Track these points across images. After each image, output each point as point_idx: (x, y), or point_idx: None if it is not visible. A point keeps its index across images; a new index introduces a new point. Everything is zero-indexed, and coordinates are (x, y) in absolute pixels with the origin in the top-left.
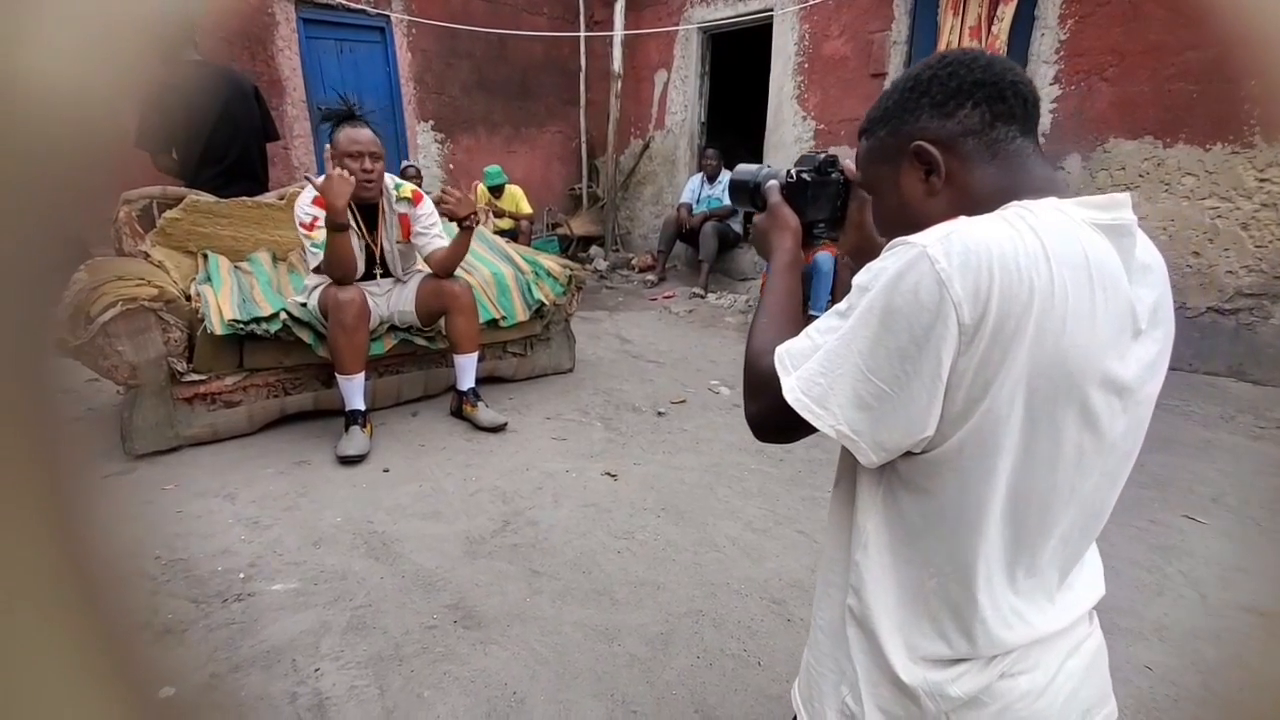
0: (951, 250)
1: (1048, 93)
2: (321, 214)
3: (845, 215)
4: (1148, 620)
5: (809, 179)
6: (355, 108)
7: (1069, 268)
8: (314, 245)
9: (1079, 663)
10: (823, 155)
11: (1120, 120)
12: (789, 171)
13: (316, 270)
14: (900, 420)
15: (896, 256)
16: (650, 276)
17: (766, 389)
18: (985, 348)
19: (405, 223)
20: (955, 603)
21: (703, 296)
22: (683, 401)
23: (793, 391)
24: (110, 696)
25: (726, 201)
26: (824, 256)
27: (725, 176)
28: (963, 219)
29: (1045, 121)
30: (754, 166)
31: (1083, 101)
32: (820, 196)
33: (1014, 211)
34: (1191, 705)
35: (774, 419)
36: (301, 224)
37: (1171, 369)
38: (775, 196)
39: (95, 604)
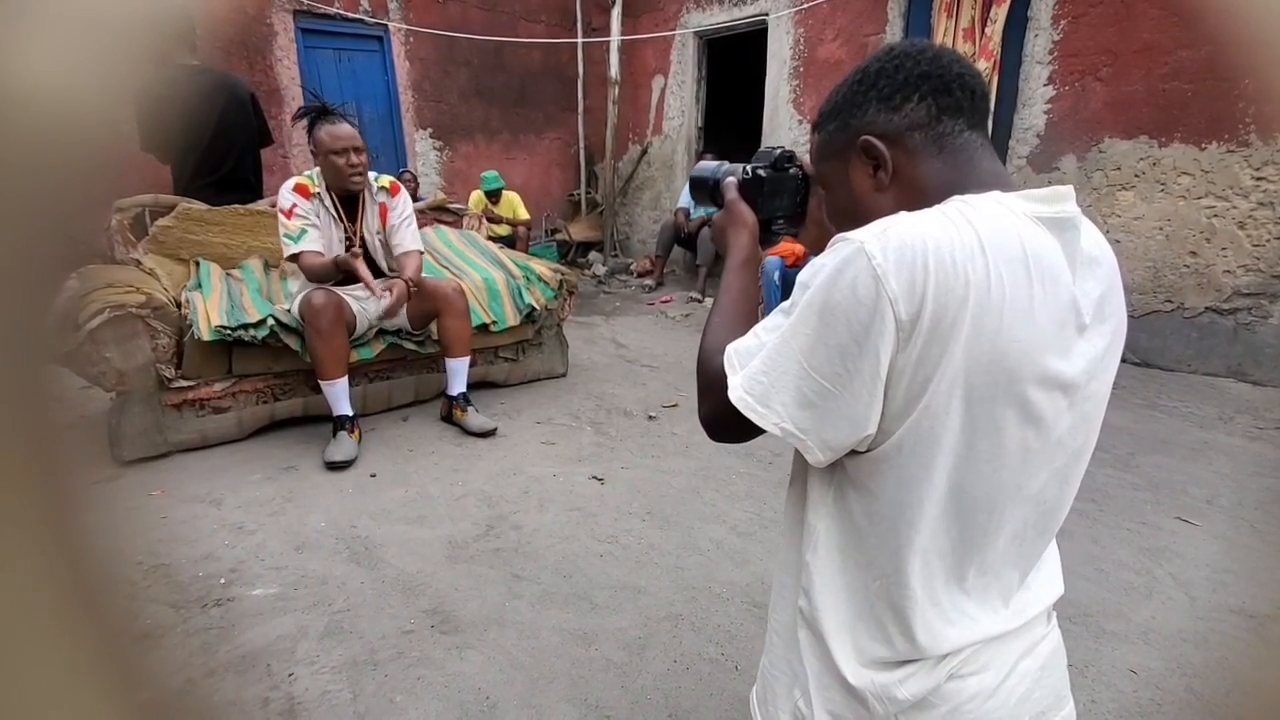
0: (888, 246)
1: (1042, 93)
2: (301, 201)
3: (805, 210)
4: (1135, 623)
5: (764, 175)
6: (328, 104)
7: (1005, 261)
8: (286, 235)
9: (1033, 664)
10: (779, 150)
11: (1115, 120)
12: (745, 168)
13: (290, 259)
14: (845, 418)
15: (835, 253)
16: (648, 281)
17: (717, 388)
18: (923, 344)
19: (384, 211)
20: (897, 604)
21: (700, 301)
22: (674, 405)
23: (736, 390)
24: (104, 700)
25: None
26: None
27: None
28: (902, 214)
29: (1040, 122)
30: (714, 163)
31: (1077, 102)
32: (777, 192)
33: (953, 206)
34: (1174, 709)
35: (723, 418)
36: (281, 209)
37: (1170, 370)
38: (732, 193)
39: (93, 609)
